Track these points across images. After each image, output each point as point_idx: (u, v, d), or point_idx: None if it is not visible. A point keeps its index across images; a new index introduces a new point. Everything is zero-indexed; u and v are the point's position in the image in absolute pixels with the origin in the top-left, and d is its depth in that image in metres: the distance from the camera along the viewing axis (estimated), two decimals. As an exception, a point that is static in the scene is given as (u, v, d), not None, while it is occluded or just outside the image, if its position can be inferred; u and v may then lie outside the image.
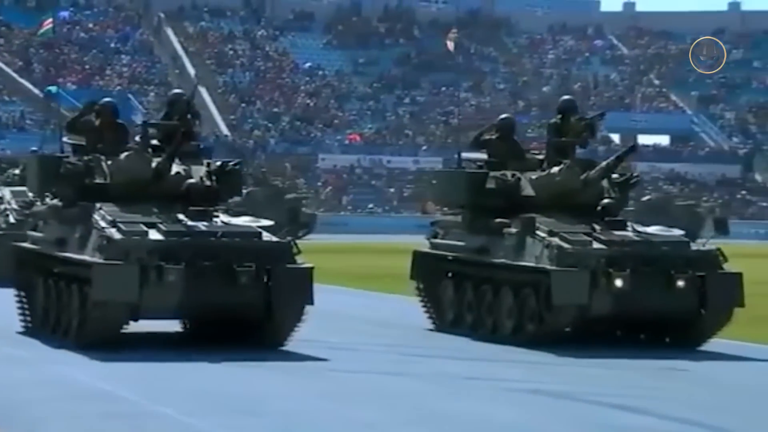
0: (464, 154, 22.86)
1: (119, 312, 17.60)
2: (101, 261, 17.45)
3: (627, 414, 13.85)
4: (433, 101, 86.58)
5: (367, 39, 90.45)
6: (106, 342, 17.64)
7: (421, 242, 22.53)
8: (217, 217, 18.52)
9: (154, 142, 19.41)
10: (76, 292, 18.30)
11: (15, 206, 29.21)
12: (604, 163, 20.65)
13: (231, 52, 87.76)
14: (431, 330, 21.67)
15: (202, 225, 18.09)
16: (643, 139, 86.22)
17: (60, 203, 19.41)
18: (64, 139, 20.30)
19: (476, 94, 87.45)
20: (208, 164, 19.49)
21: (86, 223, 18.11)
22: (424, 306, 22.10)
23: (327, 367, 17.00)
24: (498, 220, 20.12)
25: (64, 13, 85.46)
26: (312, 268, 18.07)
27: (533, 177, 20.68)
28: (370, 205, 77.87)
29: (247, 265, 17.60)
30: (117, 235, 17.65)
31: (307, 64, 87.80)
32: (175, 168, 18.95)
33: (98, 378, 15.42)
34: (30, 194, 29.12)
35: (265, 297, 17.77)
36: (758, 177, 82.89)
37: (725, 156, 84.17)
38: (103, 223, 18.00)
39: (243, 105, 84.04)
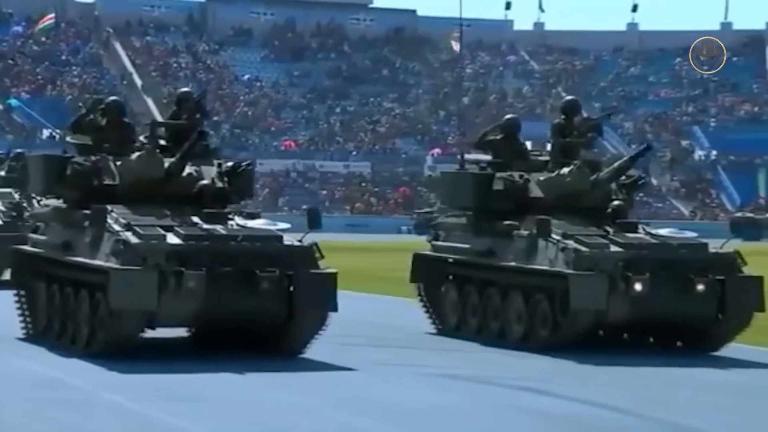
0: (467, 156, 20.46)
1: (136, 320, 14.98)
2: (118, 267, 14.81)
3: (535, 396, 13.56)
4: (361, 111, 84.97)
5: (301, 53, 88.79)
6: (120, 351, 15.22)
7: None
8: (232, 219, 15.90)
9: (161, 142, 16.92)
10: (86, 299, 15.67)
11: (2, 208, 26.38)
12: (616, 164, 18.31)
13: (175, 65, 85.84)
14: (433, 334, 19.17)
15: (220, 228, 15.51)
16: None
17: (64, 205, 16.92)
18: (68, 138, 17.71)
19: (401, 105, 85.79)
20: (219, 165, 16.84)
21: (98, 225, 15.45)
22: (426, 310, 19.53)
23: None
24: (506, 222, 17.66)
25: (18, 28, 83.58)
26: (336, 273, 15.50)
27: (541, 178, 18.24)
28: (304, 206, 75.65)
29: (269, 271, 15.00)
30: (134, 239, 15.00)
31: (246, 76, 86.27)
32: (187, 169, 16.35)
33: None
34: (16, 195, 26.80)
35: (287, 303, 15.22)
36: (654, 181, 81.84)
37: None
38: (116, 227, 15.35)
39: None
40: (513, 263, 17.49)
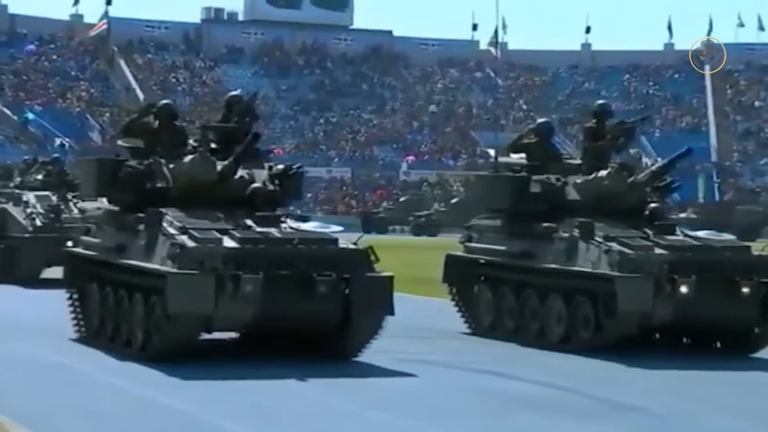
0: (501, 159, 18.63)
1: (193, 325, 13.15)
2: (176, 271, 12.95)
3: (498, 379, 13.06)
4: (342, 121, 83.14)
5: (288, 69, 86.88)
6: (175, 355, 13.40)
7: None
8: (284, 222, 14.05)
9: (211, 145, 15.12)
10: (141, 302, 13.82)
11: (41, 210, 24.44)
12: (654, 167, 16.68)
13: (174, 80, 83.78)
14: (467, 334, 17.31)
15: (274, 231, 13.66)
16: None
17: (116, 208, 15.11)
18: (119, 142, 15.88)
19: (378, 116, 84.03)
20: (270, 167, 14.99)
21: (153, 229, 13.60)
22: (459, 310, 17.65)
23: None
24: (544, 224, 15.86)
25: (31, 46, 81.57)
26: (392, 276, 13.67)
27: (578, 181, 16.42)
28: (291, 207, 73.94)
29: (326, 274, 13.20)
30: (190, 243, 13.15)
31: (238, 90, 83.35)
32: (238, 171, 14.54)
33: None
34: (54, 198, 24.86)
35: (344, 308, 13.41)
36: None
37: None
38: (171, 230, 13.51)
39: (185, 124, 75.38)
40: (552, 265, 15.67)
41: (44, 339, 15.59)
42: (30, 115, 71.43)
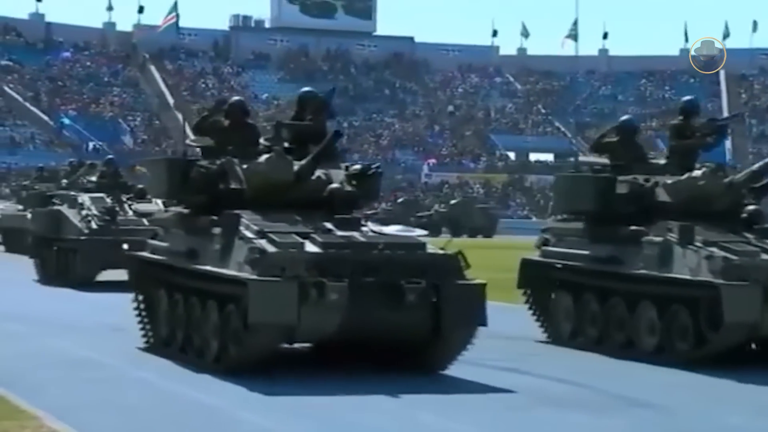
0: (581, 158, 16.85)
1: (274, 336, 11.52)
2: (257, 277, 11.30)
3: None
4: (365, 125, 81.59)
5: (312, 75, 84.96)
6: (254, 367, 11.83)
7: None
8: (365, 225, 12.36)
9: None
10: (215, 311, 12.18)
11: (96, 212, 22.81)
12: (755, 166, 14.93)
13: (203, 85, 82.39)
14: (546, 342, 15.50)
15: (357, 235, 11.97)
16: (533, 157, 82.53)
17: (186, 210, 13.53)
18: (188, 141, 14.30)
19: (400, 120, 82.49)
20: (347, 167, 13.30)
21: (230, 232, 11.95)
22: (536, 318, 15.88)
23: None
24: (633, 227, 14.06)
25: (66, 53, 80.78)
26: (485, 284, 11.92)
27: (669, 182, 14.53)
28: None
29: (415, 282, 11.51)
30: (270, 248, 11.47)
31: (265, 95, 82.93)
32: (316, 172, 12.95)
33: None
34: (108, 200, 23.28)
35: (433, 317, 11.70)
36: (622, 186, 79.20)
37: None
38: (249, 234, 11.84)
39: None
40: (643, 271, 13.85)
41: (79, 335, 15.14)
42: (66, 121, 70.52)
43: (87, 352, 13.51)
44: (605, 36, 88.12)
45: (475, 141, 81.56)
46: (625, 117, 16.61)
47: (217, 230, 12.34)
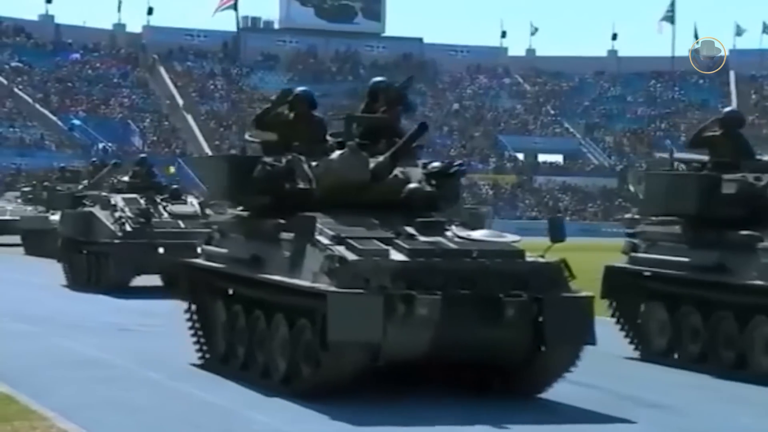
0: (677, 155, 15.29)
1: (357, 356, 10.05)
2: (338, 289, 9.90)
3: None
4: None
5: (321, 76, 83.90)
6: (333, 392, 10.34)
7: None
8: (449, 230, 10.93)
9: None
10: (284, 325, 10.83)
11: (129, 214, 21.28)
12: None
13: (212, 87, 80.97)
14: (638, 359, 13.91)
15: (445, 241, 10.54)
16: (542, 158, 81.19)
17: (247, 212, 12.05)
18: (247, 136, 12.88)
19: (409, 121, 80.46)
20: (425, 165, 11.83)
21: (305, 238, 10.49)
22: (623, 331, 14.27)
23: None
24: (744, 232, 12.42)
25: (76, 55, 79.55)
26: (592, 297, 10.52)
27: None
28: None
29: (515, 294, 10.10)
30: (351, 256, 10.09)
31: (273, 96, 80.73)
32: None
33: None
34: (142, 201, 21.78)
35: (535, 335, 10.30)
36: (631, 188, 77.24)
37: (606, 171, 78.22)
38: (324, 239, 10.43)
39: (222, 129, 76.95)
40: (758, 282, 12.20)
41: (88, 335, 14.95)
42: (76, 122, 69.41)
43: (96, 352, 13.15)
44: (614, 37, 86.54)
45: (484, 142, 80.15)
46: (728, 108, 15.07)
47: (286, 235, 10.91)
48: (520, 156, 79.91)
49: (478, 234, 10.88)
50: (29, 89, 74.35)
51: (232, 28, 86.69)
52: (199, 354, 12.55)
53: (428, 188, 11.45)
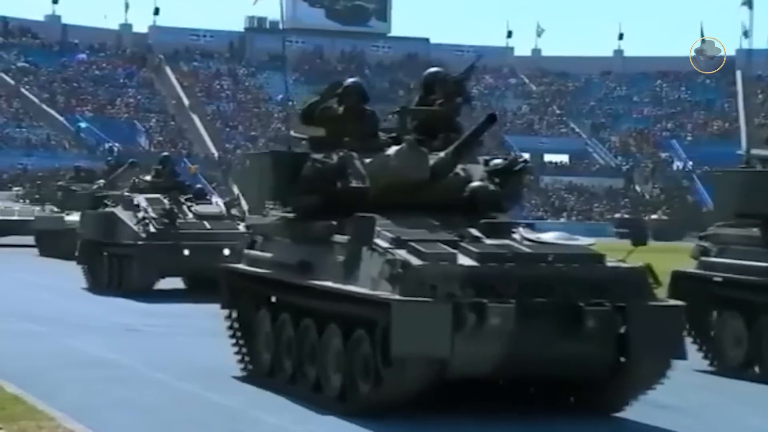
0: (753, 151, 14.13)
1: (422, 372, 8.98)
2: (402, 297, 8.82)
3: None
4: (381, 126, 79.04)
5: (327, 76, 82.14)
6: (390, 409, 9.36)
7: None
8: (515, 232, 9.90)
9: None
10: (338, 337, 9.82)
11: (153, 215, 20.13)
12: None
13: (218, 87, 79.96)
14: (708, 372, 12.72)
15: (516, 244, 9.51)
16: (548, 158, 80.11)
17: (293, 214, 11.02)
18: (292, 132, 11.87)
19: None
20: (486, 162, 10.77)
21: (363, 241, 9.42)
22: (695, 343, 12.92)
23: None
24: None
25: (82, 55, 78.66)
26: (683, 306, 9.45)
27: None
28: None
29: (596, 303, 9.02)
30: (415, 260, 9.02)
31: (279, 96, 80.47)
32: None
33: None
34: (166, 201, 20.69)
35: (618, 348, 9.20)
36: (637, 188, 76.85)
37: (612, 171, 77.27)
38: (383, 242, 9.40)
39: (227, 129, 76.13)
40: None
41: (96, 336, 14.72)
42: (83, 124, 68.58)
43: (103, 353, 13.00)
44: (620, 37, 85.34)
45: (490, 142, 78.84)
46: None
47: (339, 238, 9.89)
48: (526, 156, 78.74)
49: (548, 236, 9.87)
50: (36, 89, 73.63)
51: (239, 28, 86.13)
52: (241, 365, 11.53)
53: (492, 187, 10.40)
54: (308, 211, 10.54)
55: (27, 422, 8.66)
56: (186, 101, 76.84)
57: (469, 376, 9.30)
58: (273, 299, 11.12)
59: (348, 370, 9.66)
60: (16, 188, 43.67)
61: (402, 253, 9.21)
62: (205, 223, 19.70)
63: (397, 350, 8.81)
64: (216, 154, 71.86)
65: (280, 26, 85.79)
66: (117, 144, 68.38)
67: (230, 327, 11.67)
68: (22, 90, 72.60)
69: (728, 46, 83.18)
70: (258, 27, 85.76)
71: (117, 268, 20.53)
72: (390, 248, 9.33)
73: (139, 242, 19.86)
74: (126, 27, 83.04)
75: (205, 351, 13.19)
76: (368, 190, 10.32)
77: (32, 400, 9.73)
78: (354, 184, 10.34)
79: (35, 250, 32.64)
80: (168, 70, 79.53)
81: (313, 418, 9.46)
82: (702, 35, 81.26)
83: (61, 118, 71.17)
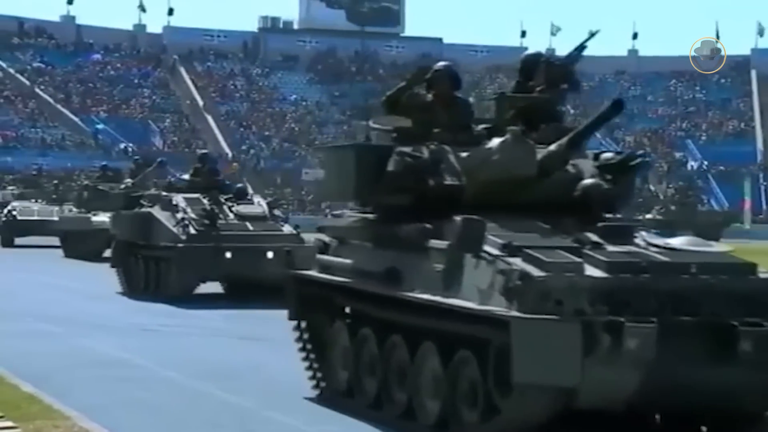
0: None
1: (547, 402, 7.50)
2: (523, 314, 7.37)
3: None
4: (394, 126, 77.86)
5: (341, 76, 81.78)
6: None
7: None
8: (637, 236, 8.34)
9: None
10: (434, 357, 8.34)
11: (193, 215, 18.51)
12: None
13: (232, 87, 78.59)
14: None
15: (650, 253, 7.97)
16: (562, 157, 78.53)
17: (374, 215, 9.61)
18: (371, 123, 10.45)
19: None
20: (596, 156, 9.25)
21: (466, 246, 7.91)
22: None
23: None
24: None
25: (97, 55, 77.54)
26: None
27: None
28: (345, 210, 68.64)
29: (752, 323, 7.42)
30: (536, 271, 7.49)
31: (293, 96, 79.50)
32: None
33: None
34: (205, 201, 19.09)
35: None
36: (652, 187, 75.27)
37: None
38: (493, 249, 7.89)
39: (241, 129, 74.76)
40: None
41: (110, 335, 14.51)
42: (100, 126, 67.52)
43: (118, 352, 12.85)
44: (635, 36, 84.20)
45: None
46: None
47: (436, 243, 8.42)
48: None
49: (678, 242, 8.36)
50: (51, 90, 72.60)
51: (253, 28, 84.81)
52: (313, 384, 10.07)
53: (605, 185, 8.92)
54: (392, 212, 9.07)
55: (42, 421, 8.55)
56: (200, 101, 75.79)
57: (597, 408, 7.74)
58: (347, 310, 9.68)
59: (448, 396, 8.20)
60: (11, 187, 42.51)
61: (517, 262, 7.72)
62: (248, 224, 18.20)
63: (520, 377, 7.34)
64: (230, 155, 70.72)
65: (294, 26, 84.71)
66: (131, 144, 67.25)
67: (299, 339, 10.20)
68: (37, 90, 71.61)
69: (743, 45, 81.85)
70: (272, 27, 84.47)
71: (154, 271, 19.09)
72: (500, 255, 7.84)
73: (179, 244, 18.31)
74: (140, 27, 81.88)
75: (218, 351, 13.13)
76: (464, 188, 8.86)
77: (48, 399, 9.61)
78: (448, 181, 8.86)
79: (59, 251, 31.31)
80: (182, 70, 78.47)
81: (325, 418, 9.27)
82: (717, 35, 79.84)
83: (76, 119, 70.18)
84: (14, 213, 34.93)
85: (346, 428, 8.89)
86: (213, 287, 19.14)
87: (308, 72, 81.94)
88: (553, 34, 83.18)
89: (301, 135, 75.95)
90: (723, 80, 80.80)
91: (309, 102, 79.46)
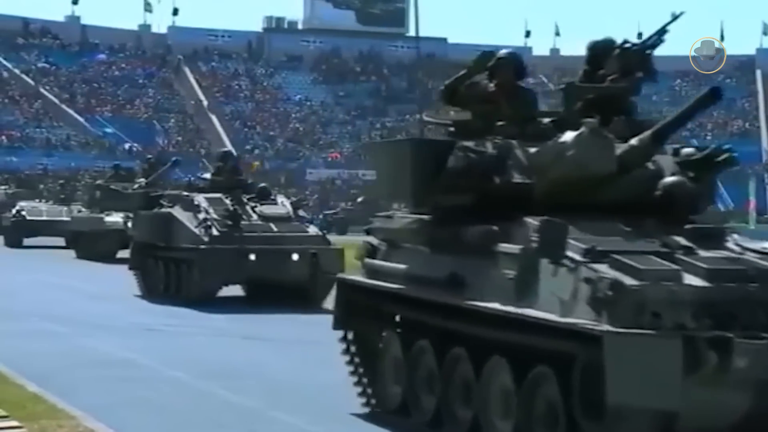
0: None
1: (644, 426, 6.53)
2: (615, 329, 6.47)
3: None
4: (398, 126, 76.85)
5: (345, 76, 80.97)
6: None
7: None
8: (728, 240, 7.49)
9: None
10: (505, 373, 7.49)
11: (215, 216, 17.60)
12: None
13: (236, 87, 77.84)
14: None
15: (751, 259, 7.05)
16: (567, 157, 77.71)
17: (430, 216, 8.68)
18: (425, 115, 9.54)
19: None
20: (676, 152, 8.42)
21: (549, 251, 7.05)
22: None
23: None
24: None
25: (102, 56, 76.72)
26: None
27: None
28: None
29: None
30: (628, 279, 6.60)
31: (298, 97, 78.72)
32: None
33: None
34: (227, 201, 18.02)
35: None
36: (657, 185, 74.68)
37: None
38: (576, 255, 6.99)
39: (246, 129, 74.03)
40: None
41: (114, 335, 14.38)
42: (108, 130, 66.96)
43: (123, 352, 12.76)
44: (639, 36, 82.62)
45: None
46: None
47: (505, 247, 7.50)
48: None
49: (763, 245, 7.45)
50: (56, 90, 71.98)
51: (257, 28, 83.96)
52: (362, 399, 9.16)
53: (689, 184, 7.99)
54: (452, 213, 8.15)
55: (47, 421, 8.50)
56: (204, 101, 75.05)
57: None
58: (397, 318, 8.78)
59: (522, 416, 7.29)
60: (3, 186, 41.74)
61: (605, 269, 6.82)
62: (272, 225, 17.27)
63: (615, 398, 6.42)
64: (234, 155, 70.05)
65: (299, 26, 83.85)
66: (136, 144, 66.51)
67: (346, 350, 9.29)
68: (42, 90, 70.90)
69: (748, 45, 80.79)
70: (276, 27, 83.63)
71: (174, 274, 18.13)
72: (584, 261, 6.94)
73: (201, 246, 17.37)
74: (145, 27, 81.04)
75: (222, 351, 13.02)
76: (534, 186, 7.95)
77: (52, 399, 9.56)
78: (516, 179, 7.96)
79: (70, 252, 30.41)
80: (187, 70, 77.74)
81: (330, 417, 9.11)
82: (722, 34, 78.96)
83: (80, 119, 69.45)
84: (23, 213, 34.17)
85: (351, 428, 8.70)
86: (234, 290, 18.29)
87: (312, 72, 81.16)
88: (557, 34, 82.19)
89: (305, 135, 75.34)
90: (728, 80, 79.87)
91: (313, 102, 78.68)
